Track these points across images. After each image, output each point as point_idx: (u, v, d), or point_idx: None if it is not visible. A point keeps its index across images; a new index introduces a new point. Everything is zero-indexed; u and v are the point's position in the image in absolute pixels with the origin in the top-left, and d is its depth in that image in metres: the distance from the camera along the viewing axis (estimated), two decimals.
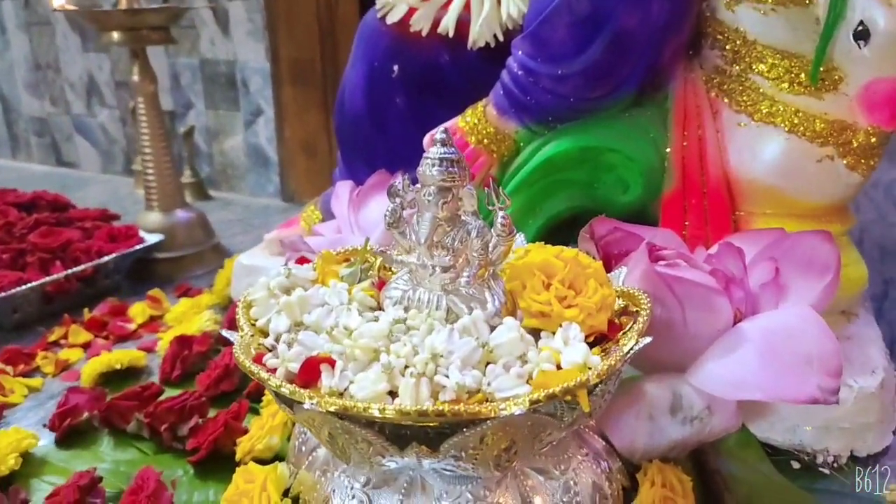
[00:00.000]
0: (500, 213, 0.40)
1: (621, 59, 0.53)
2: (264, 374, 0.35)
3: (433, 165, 0.40)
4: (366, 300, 0.43)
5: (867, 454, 0.47)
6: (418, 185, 0.41)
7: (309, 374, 0.35)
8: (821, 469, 0.46)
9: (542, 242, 0.52)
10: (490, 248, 0.41)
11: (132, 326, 0.70)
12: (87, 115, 1.34)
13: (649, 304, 0.39)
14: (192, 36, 1.12)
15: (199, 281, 0.83)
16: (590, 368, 0.34)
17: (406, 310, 0.41)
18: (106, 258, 0.76)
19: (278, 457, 0.48)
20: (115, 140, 1.33)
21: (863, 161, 0.51)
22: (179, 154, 1.21)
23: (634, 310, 0.41)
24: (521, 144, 0.60)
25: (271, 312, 0.42)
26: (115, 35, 0.74)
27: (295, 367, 0.36)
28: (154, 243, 0.81)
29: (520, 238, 0.53)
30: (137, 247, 0.79)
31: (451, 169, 0.40)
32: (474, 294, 0.40)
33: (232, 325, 0.50)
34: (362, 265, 0.47)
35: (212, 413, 0.52)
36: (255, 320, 0.42)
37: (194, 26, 1.11)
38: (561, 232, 0.60)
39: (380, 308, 0.42)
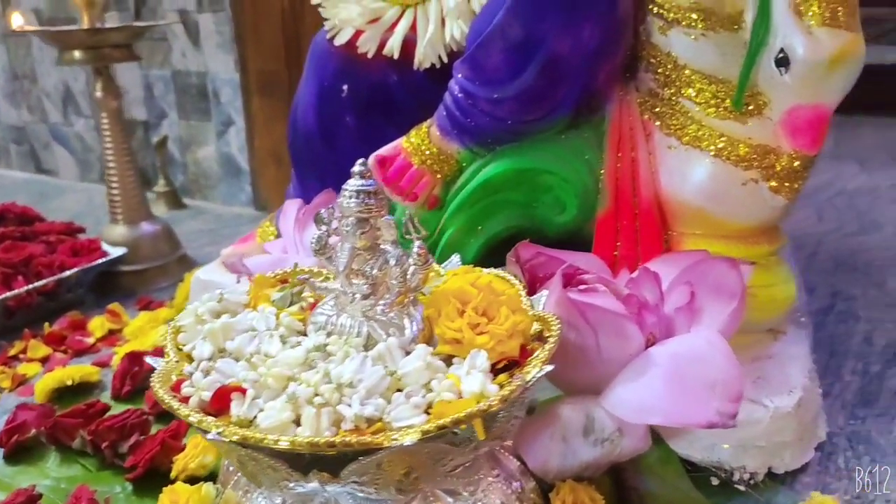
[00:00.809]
0: (417, 243, 0.42)
1: (555, 83, 0.54)
2: (174, 403, 0.36)
3: (351, 197, 0.41)
4: (293, 325, 0.44)
5: (785, 471, 0.49)
6: None
7: (220, 402, 0.37)
8: (737, 486, 0.48)
9: (480, 262, 0.54)
10: (409, 276, 0.42)
11: (90, 340, 0.71)
12: (64, 125, 1.35)
13: (558, 331, 0.41)
14: (164, 48, 1.13)
15: (163, 293, 0.85)
16: (487, 398, 0.35)
17: (329, 335, 0.42)
18: (67, 273, 0.77)
19: (213, 475, 0.49)
20: (91, 149, 1.34)
21: (786, 185, 0.52)
22: (153, 163, 1.22)
23: (548, 335, 0.42)
24: (464, 164, 0.61)
25: (197, 338, 0.43)
26: (77, 54, 0.75)
27: (207, 395, 0.37)
28: (117, 257, 0.82)
29: (455, 259, 0.55)
30: (99, 261, 0.80)
31: (368, 201, 0.41)
32: (393, 320, 0.42)
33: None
34: (293, 289, 0.48)
35: (155, 430, 0.54)
36: (183, 346, 0.43)
37: (166, 38, 1.12)
38: (501, 250, 0.61)
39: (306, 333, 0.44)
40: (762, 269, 0.54)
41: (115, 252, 0.82)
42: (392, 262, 0.42)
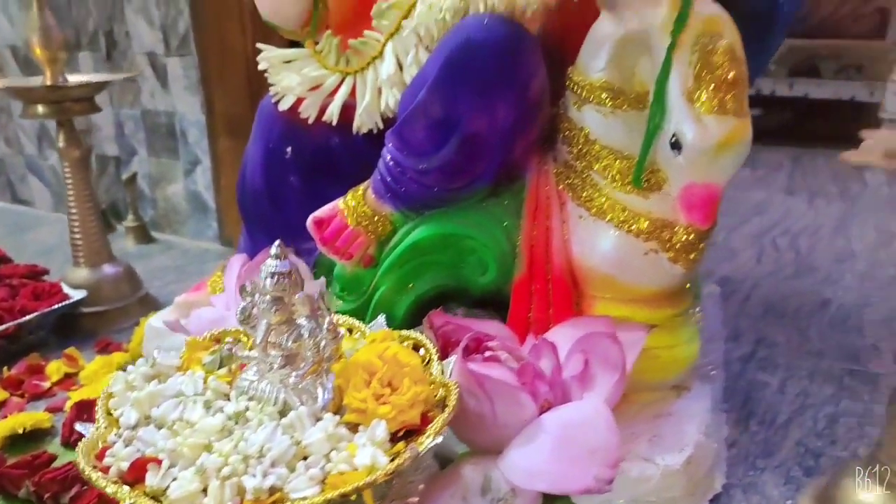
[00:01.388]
0: (328, 318, 0.46)
1: (473, 157, 0.58)
2: (93, 474, 0.40)
3: (266, 278, 0.45)
4: (220, 388, 0.48)
5: None
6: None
7: (137, 473, 0.40)
8: None
9: (410, 317, 0.58)
10: (321, 348, 0.46)
11: (47, 385, 0.75)
12: (39, 158, 1.39)
13: (455, 401, 0.45)
14: (135, 88, 1.17)
15: (123, 334, 0.88)
16: (376, 470, 0.39)
17: (251, 399, 0.46)
18: (28, 317, 0.80)
19: None
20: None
21: (683, 255, 0.56)
22: (123, 198, 1.26)
23: (447, 405, 0.46)
24: (396, 225, 0.65)
25: (126, 405, 0.47)
26: (40, 108, 0.79)
27: (125, 465, 0.41)
28: (77, 300, 0.85)
29: (381, 319, 0.59)
30: (59, 305, 0.83)
31: (282, 281, 0.45)
32: (307, 388, 0.46)
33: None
34: (223, 352, 0.52)
35: None
36: (113, 411, 0.47)
37: (136, 80, 1.16)
38: (430, 306, 0.65)
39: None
40: (665, 330, 0.58)
41: (76, 295, 0.86)
42: (306, 335, 0.46)
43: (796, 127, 1.98)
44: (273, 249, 0.46)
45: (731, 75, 0.52)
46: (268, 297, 0.45)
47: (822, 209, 1.35)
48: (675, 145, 0.53)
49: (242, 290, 0.48)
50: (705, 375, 0.65)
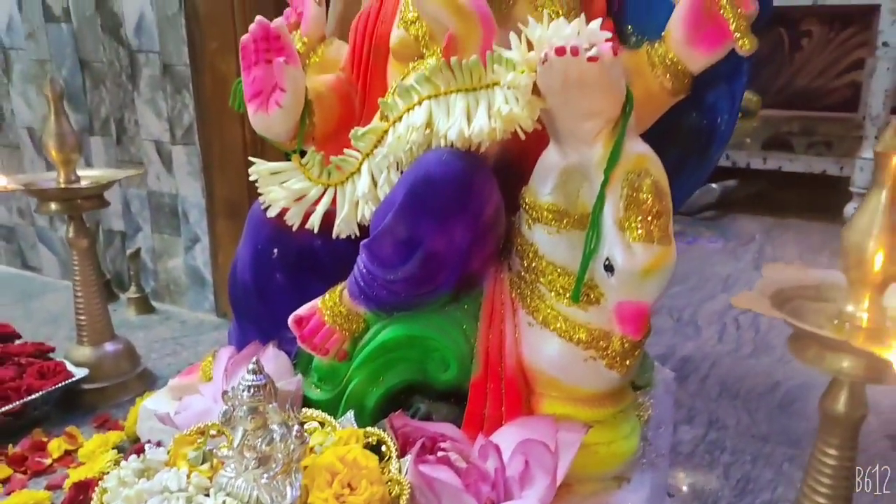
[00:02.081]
0: (296, 427, 0.53)
1: (434, 272, 0.66)
2: None
3: (244, 390, 0.53)
4: (201, 483, 0.55)
5: None
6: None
7: None
8: None
9: (380, 408, 0.65)
10: (291, 451, 0.53)
11: (48, 461, 0.81)
12: (49, 229, 1.48)
13: (406, 500, 0.51)
14: (141, 171, 1.26)
15: (121, 408, 0.95)
16: None
17: (229, 494, 0.53)
18: (34, 396, 0.87)
19: None
20: None
21: (619, 362, 0.63)
22: (127, 270, 1.34)
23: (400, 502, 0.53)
24: (369, 323, 0.73)
25: (118, 500, 0.53)
26: (53, 205, 0.88)
27: None
28: (79, 378, 0.92)
29: (349, 415, 0.66)
30: (63, 383, 0.90)
31: (258, 394, 0.52)
32: (277, 487, 0.52)
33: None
34: (205, 449, 0.59)
35: None
36: None
37: (142, 163, 1.25)
38: (399, 398, 0.72)
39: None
40: (606, 427, 0.65)
41: (79, 373, 0.93)
42: (278, 439, 0.53)
43: (771, 196, 2.07)
44: (251, 365, 0.53)
45: (655, 209, 0.59)
46: (245, 407, 0.53)
47: None
48: (609, 268, 0.61)
49: (224, 395, 0.55)
50: (650, 463, 0.71)
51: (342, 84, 0.85)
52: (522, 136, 0.63)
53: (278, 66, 0.73)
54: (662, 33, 0.71)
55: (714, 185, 1.96)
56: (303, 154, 0.79)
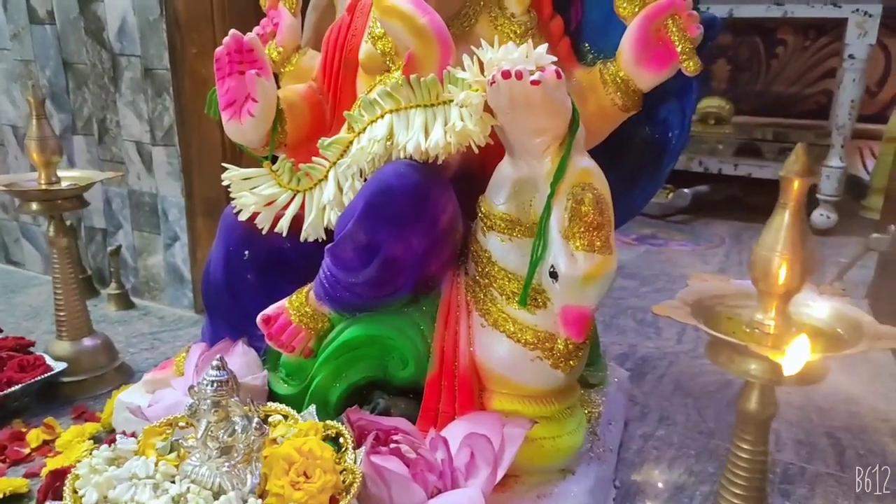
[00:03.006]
0: (256, 420, 0.57)
1: (393, 275, 0.70)
2: None
3: (208, 385, 0.57)
4: (168, 471, 0.59)
5: None
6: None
7: None
8: None
9: (343, 402, 0.69)
10: (251, 442, 0.57)
11: (27, 451, 0.85)
12: (33, 224, 1.50)
13: (357, 488, 0.56)
14: (122, 171, 1.29)
15: (98, 401, 0.98)
16: None
17: (193, 482, 0.57)
18: (14, 388, 0.91)
19: None
20: None
21: (563, 362, 0.68)
22: (108, 267, 1.37)
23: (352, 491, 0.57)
24: (334, 323, 0.77)
25: (89, 486, 0.57)
26: (34, 205, 0.91)
27: None
28: (58, 371, 0.96)
29: (312, 409, 0.70)
30: (42, 376, 0.94)
31: (220, 388, 0.56)
32: (238, 474, 0.57)
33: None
34: (172, 439, 0.63)
35: None
36: (78, 491, 0.58)
37: (124, 163, 1.28)
38: (360, 393, 0.76)
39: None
40: (552, 422, 0.69)
41: (58, 367, 0.96)
42: (239, 430, 0.57)
43: (742, 200, 2.13)
44: (214, 362, 0.57)
45: (597, 221, 0.63)
46: (208, 400, 0.57)
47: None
48: (553, 275, 0.65)
49: (191, 389, 0.59)
50: (597, 457, 0.76)
51: (314, 93, 0.88)
52: (476, 150, 0.67)
53: (251, 77, 0.76)
54: (615, 53, 0.75)
55: (686, 190, 2.02)
56: (274, 160, 0.83)
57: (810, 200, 1.95)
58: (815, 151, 2.01)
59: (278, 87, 0.85)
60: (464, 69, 0.66)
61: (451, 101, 0.67)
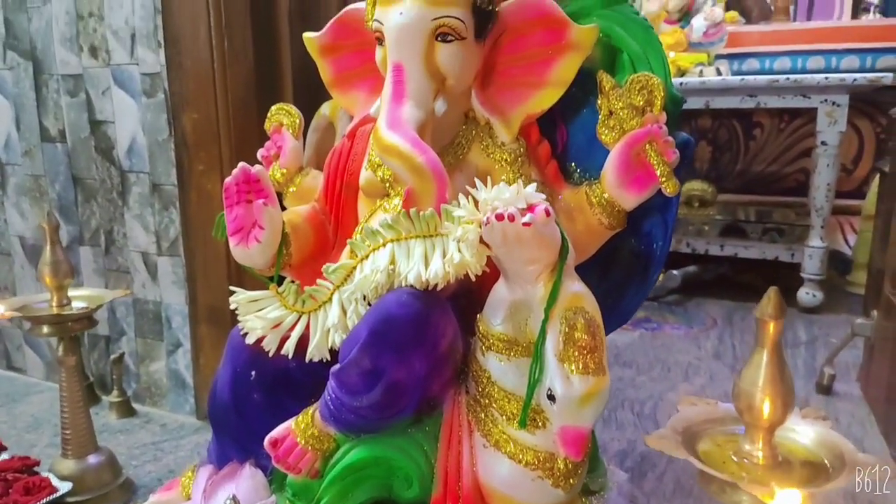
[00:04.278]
0: None
1: (397, 398, 0.73)
2: None
3: None
4: None
5: None
6: None
7: None
8: None
9: None
10: None
11: None
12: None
13: None
14: (128, 280, 1.33)
15: None
16: None
17: None
18: None
19: None
20: None
21: (563, 480, 0.70)
22: (111, 373, 1.39)
23: None
24: (340, 443, 0.79)
25: None
26: (45, 328, 0.94)
27: None
28: (64, 493, 0.96)
29: None
30: (47, 498, 0.94)
31: None
32: None
33: None
34: None
35: None
36: None
37: (129, 272, 1.32)
38: None
39: None
40: None
41: (63, 488, 0.97)
42: None
43: (732, 279, 2.18)
44: (228, 501, 0.59)
45: (590, 345, 0.67)
46: None
47: None
48: (550, 396, 0.68)
49: None
50: None
51: (317, 214, 0.93)
52: (473, 279, 0.71)
53: (258, 207, 0.81)
54: (600, 172, 0.81)
55: (675, 272, 2.07)
56: (280, 280, 0.87)
57: (795, 279, 2.01)
58: (797, 231, 2.08)
59: (283, 208, 0.90)
60: (459, 204, 0.71)
61: (449, 233, 0.71)
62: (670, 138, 0.77)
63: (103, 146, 1.29)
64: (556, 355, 0.68)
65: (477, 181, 0.70)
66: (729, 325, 1.90)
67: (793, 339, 1.71)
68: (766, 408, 0.50)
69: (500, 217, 0.64)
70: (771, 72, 2.25)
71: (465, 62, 0.79)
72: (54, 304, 0.95)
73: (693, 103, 1.94)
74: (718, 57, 2.22)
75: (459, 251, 0.70)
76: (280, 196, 0.94)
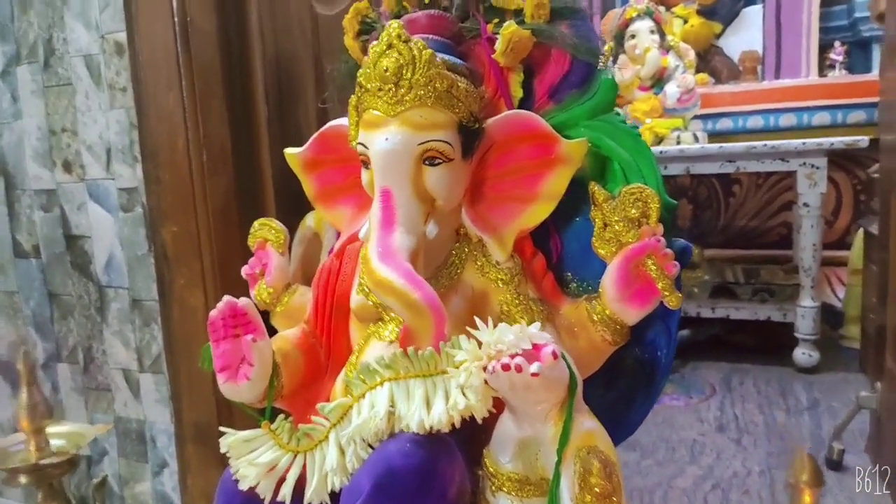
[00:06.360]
0: None
1: None
2: None
3: None
4: None
5: None
6: None
7: None
8: None
9: None
10: None
11: None
12: None
13: None
14: (109, 398, 1.27)
15: None
16: None
17: None
18: None
19: None
20: None
21: None
22: (92, 499, 1.31)
23: None
24: None
25: None
26: (23, 478, 0.88)
27: None
28: None
29: None
30: None
31: None
32: None
33: None
34: None
35: None
36: None
37: (110, 390, 1.26)
38: None
39: None
40: None
41: None
42: None
43: (725, 340, 2.16)
44: None
45: (606, 490, 0.63)
46: None
47: (750, 450, 1.46)
48: None
49: None
50: None
51: (307, 338, 0.89)
52: (480, 421, 0.68)
53: (247, 343, 0.77)
54: (599, 282, 0.78)
55: None
56: (272, 415, 0.83)
57: (788, 336, 1.99)
58: (787, 291, 2.07)
59: (268, 326, 0.86)
60: (459, 343, 0.68)
61: (451, 375, 0.68)
62: (669, 251, 0.75)
63: (80, 261, 1.25)
64: (573, 499, 0.65)
65: (478, 320, 0.67)
66: (728, 391, 1.87)
67: (794, 404, 1.68)
68: None
69: (505, 367, 0.61)
70: (745, 130, 2.29)
71: (455, 182, 0.77)
72: (32, 449, 0.89)
73: (673, 170, 1.96)
74: (693, 118, 2.26)
75: (464, 395, 0.66)
76: (266, 314, 0.90)
